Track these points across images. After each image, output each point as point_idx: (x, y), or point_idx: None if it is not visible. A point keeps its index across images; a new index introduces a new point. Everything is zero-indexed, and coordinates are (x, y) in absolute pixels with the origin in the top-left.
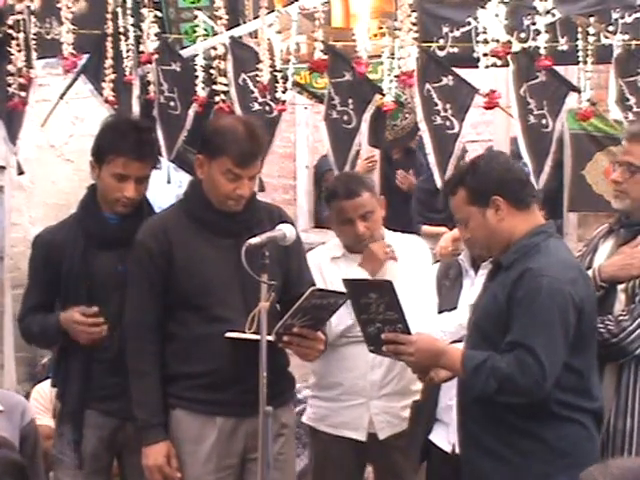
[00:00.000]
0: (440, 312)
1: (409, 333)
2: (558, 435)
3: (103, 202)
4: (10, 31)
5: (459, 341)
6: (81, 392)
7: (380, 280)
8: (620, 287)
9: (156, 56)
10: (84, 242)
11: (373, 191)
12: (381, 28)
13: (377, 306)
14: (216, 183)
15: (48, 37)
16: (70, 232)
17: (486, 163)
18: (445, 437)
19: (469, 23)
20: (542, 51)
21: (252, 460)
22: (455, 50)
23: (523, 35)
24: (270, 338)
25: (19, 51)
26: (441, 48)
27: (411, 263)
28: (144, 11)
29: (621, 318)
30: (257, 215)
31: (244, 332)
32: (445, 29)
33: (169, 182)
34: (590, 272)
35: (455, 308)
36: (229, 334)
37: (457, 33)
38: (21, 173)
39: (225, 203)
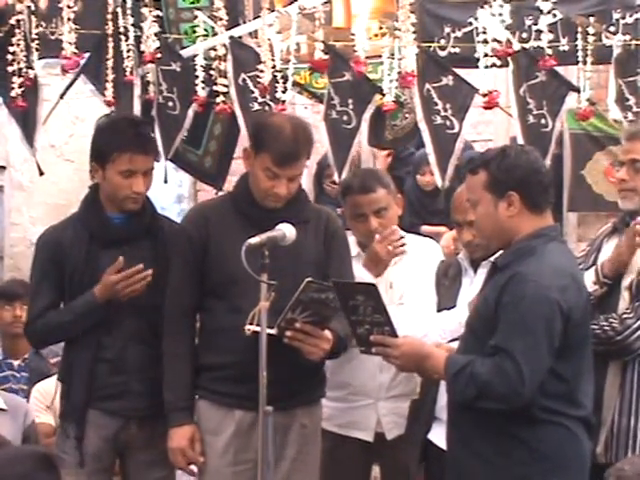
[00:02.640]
0: (439, 311)
1: (396, 336)
2: (539, 437)
3: (110, 202)
4: (10, 31)
5: (457, 339)
6: (85, 390)
7: (366, 283)
8: (624, 285)
9: (157, 56)
10: (88, 241)
11: (389, 188)
12: (381, 28)
13: (365, 308)
14: (256, 178)
15: (53, 37)
16: (74, 231)
17: (516, 156)
18: (444, 436)
19: (471, 23)
20: (548, 51)
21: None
22: (457, 50)
23: (525, 35)
24: (272, 331)
25: (20, 51)
26: (442, 48)
27: (422, 266)
28: (144, 11)
29: (625, 316)
30: (302, 215)
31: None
32: (447, 29)
33: (166, 182)
34: (593, 270)
35: (454, 307)
36: (249, 326)
37: (459, 33)
38: (42, 174)
39: (264, 199)
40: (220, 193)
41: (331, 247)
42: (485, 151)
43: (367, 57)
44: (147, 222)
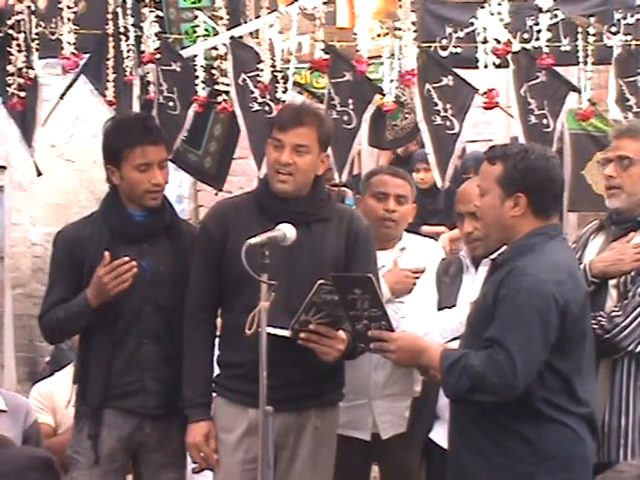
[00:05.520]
0: (440, 309)
1: (392, 330)
2: (541, 436)
3: (130, 200)
4: (10, 31)
5: (459, 338)
6: (102, 388)
7: (362, 275)
8: (611, 283)
9: (157, 56)
10: (108, 238)
11: (413, 189)
12: (382, 28)
13: (362, 302)
14: (267, 156)
15: (53, 37)
16: (94, 228)
17: (536, 159)
18: (445, 435)
19: (472, 24)
20: (546, 50)
21: (281, 459)
22: (458, 51)
23: (526, 35)
24: (286, 333)
25: (19, 51)
26: (444, 48)
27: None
28: (145, 11)
29: (614, 314)
30: (322, 212)
31: (280, 327)
32: (449, 29)
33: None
34: (581, 268)
35: (455, 305)
36: (270, 329)
37: (461, 34)
38: (39, 174)
39: (273, 178)
40: (220, 193)
41: (355, 248)
42: (509, 143)
43: (368, 57)
44: (167, 221)
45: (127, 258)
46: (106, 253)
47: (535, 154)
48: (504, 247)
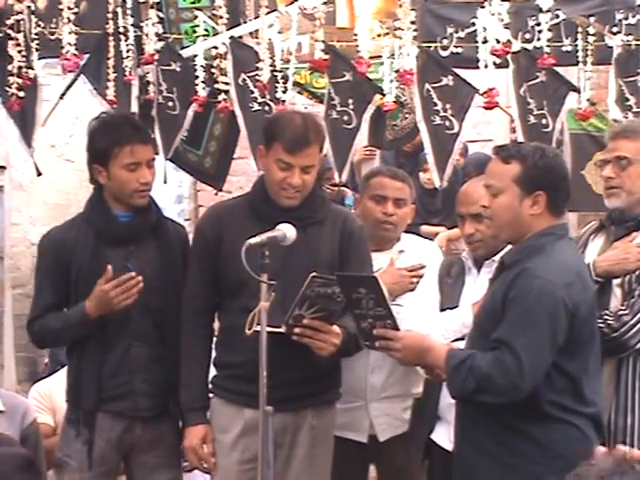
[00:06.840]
0: (442, 310)
1: (398, 329)
2: (549, 436)
3: (116, 201)
4: (10, 31)
5: (461, 339)
6: (95, 393)
7: (367, 276)
8: (616, 282)
9: (156, 57)
10: (94, 240)
11: (412, 190)
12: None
13: (367, 301)
14: (270, 172)
15: (52, 37)
16: (80, 231)
17: (554, 157)
18: (447, 436)
19: (474, 24)
20: (546, 49)
21: (279, 458)
22: (459, 51)
23: (528, 36)
24: (281, 330)
25: (19, 52)
26: (444, 48)
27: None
28: (151, 13)
29: (621, 312)
30: (317, 215)
31: (275, 326)
32: (450, 30)
33: (165, 182)
34: None
35: (457, 306)
36: (258, 327)
37: (462, 34)
38: (39, 174)
39: (279, 194)
40: (220, 193)
41: (349, 247)
42: (518, 143)
43: (369, 57)
44: (153, 221)
45: (134, 273)
46: (109, 267)
47: (551, 152)
48: (508, 247)
